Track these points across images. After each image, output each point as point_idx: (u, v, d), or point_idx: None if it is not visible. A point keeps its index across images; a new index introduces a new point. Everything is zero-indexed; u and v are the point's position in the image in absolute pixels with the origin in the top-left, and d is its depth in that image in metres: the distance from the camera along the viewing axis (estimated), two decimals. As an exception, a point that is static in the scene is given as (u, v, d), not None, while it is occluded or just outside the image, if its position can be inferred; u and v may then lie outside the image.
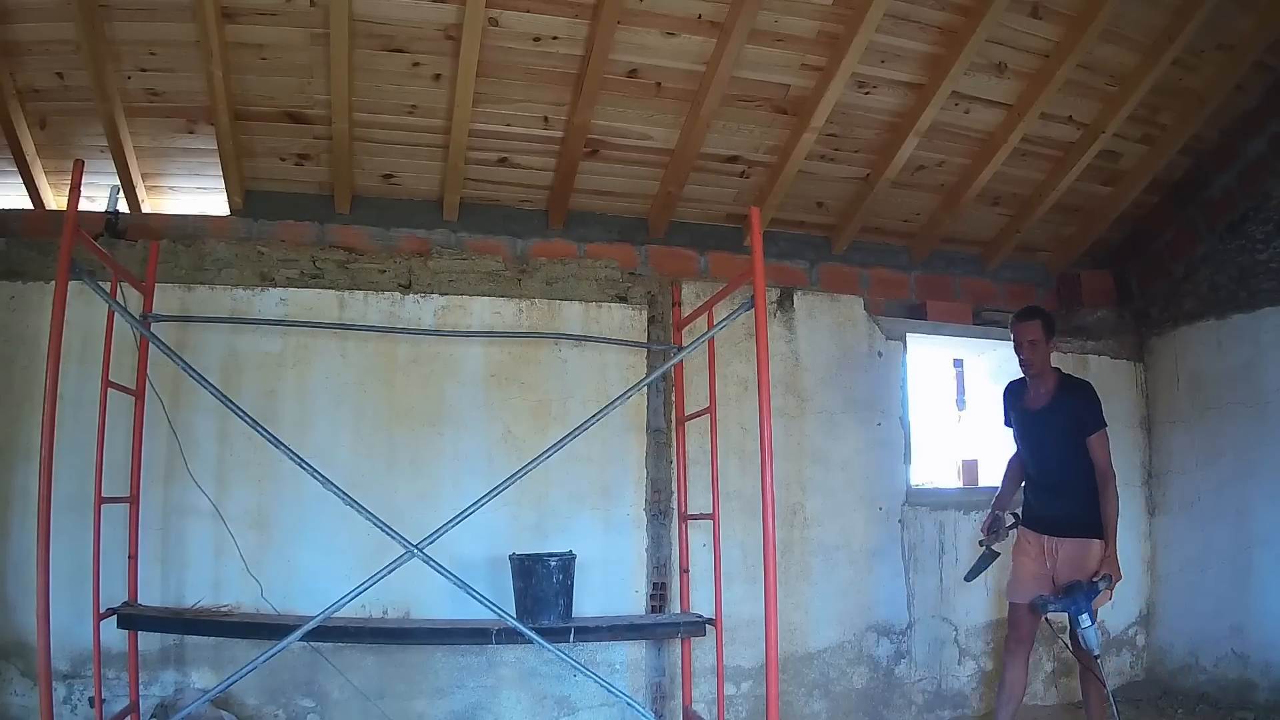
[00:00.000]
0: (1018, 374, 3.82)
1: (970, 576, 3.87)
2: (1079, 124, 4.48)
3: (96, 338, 3.41)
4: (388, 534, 2.83)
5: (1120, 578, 3.45)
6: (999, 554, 3.76)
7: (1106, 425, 3.57)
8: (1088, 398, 3.62)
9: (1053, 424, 3.62)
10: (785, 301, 4.45)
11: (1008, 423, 3.91)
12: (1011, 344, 3.71)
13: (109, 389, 3.35)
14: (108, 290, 3.17)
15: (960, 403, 5.30)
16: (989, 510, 3.87)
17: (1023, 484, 3.87)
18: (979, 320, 4.97)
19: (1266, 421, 4.41)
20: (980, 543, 3.80)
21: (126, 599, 3.41)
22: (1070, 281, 5.29)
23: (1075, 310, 5.21)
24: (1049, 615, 3.64)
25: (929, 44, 3.96)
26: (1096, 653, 3.43)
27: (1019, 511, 3.79)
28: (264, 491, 3.71)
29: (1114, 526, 3.49)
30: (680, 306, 4.20)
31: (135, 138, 3.95)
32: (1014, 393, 3.88)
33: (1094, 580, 3.40)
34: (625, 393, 3.29)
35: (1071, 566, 3.50)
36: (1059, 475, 3.61)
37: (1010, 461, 3.96)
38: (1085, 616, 3.36)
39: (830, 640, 4.27)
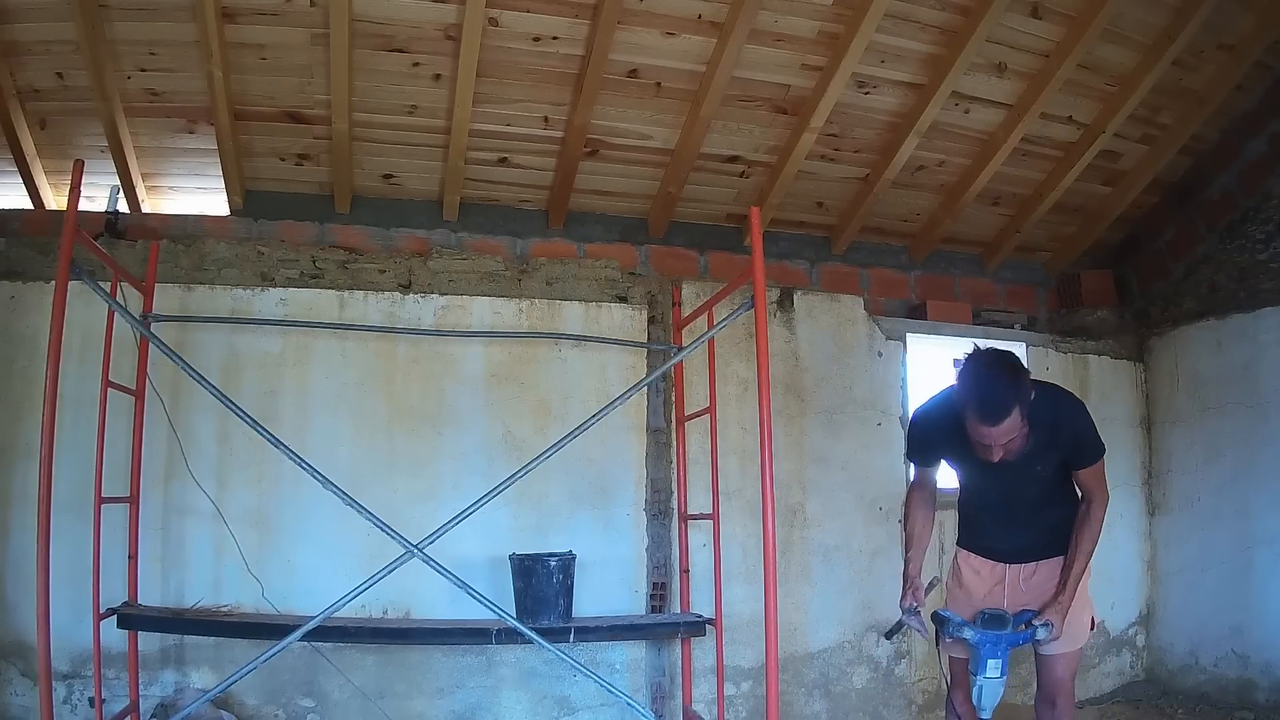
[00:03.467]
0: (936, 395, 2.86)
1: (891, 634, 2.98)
2: (1079, 124, 4.48)
3: (96, 338, 3.41)
4: (388, 534, 2.83)
5: (1058, 635, 2.63)
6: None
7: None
8: (1081, 422, 2.63)
9: (1034, 469, 2.67)
10: (785, 301, 4.45)
11: (926, 459, 2.93)
12: (979, 434, 2.50)
13: (109, 389, 3.35)
14: (108, 290, 3.17)
15: (960, 403, 5.27)
16: (904, 572, 2.89)
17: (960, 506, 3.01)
18: (979, 320, 4.97)
19: (1266, 421, 4.41)
20: (906, 614, 2.84)
21: (126, 599, 3.40)
22: (1070, 281, 5.29)
23: (1075, 310, 5.21)
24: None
25: (929, 44, 3.96)
26: (986, 716, 2.61)
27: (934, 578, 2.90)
28: (264, 491, 3.71)
29: (1086, 564, 2.67)
30: (680, 306, 4.20)
31: (135, 138, 3.95)
32: (945, 428, 2.69)
33: (1030, 623, 2.62)
34: (625, 393, 3.29)
35: (1047, 592, 2.72)
36: (1036, 512, 2.78)
37: (914, 494, 2.96)
38: (998, 664, 2.57)
39: (830, 640, 4.27)
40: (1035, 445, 2.58)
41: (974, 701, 2.64)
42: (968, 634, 2.64)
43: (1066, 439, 2.62)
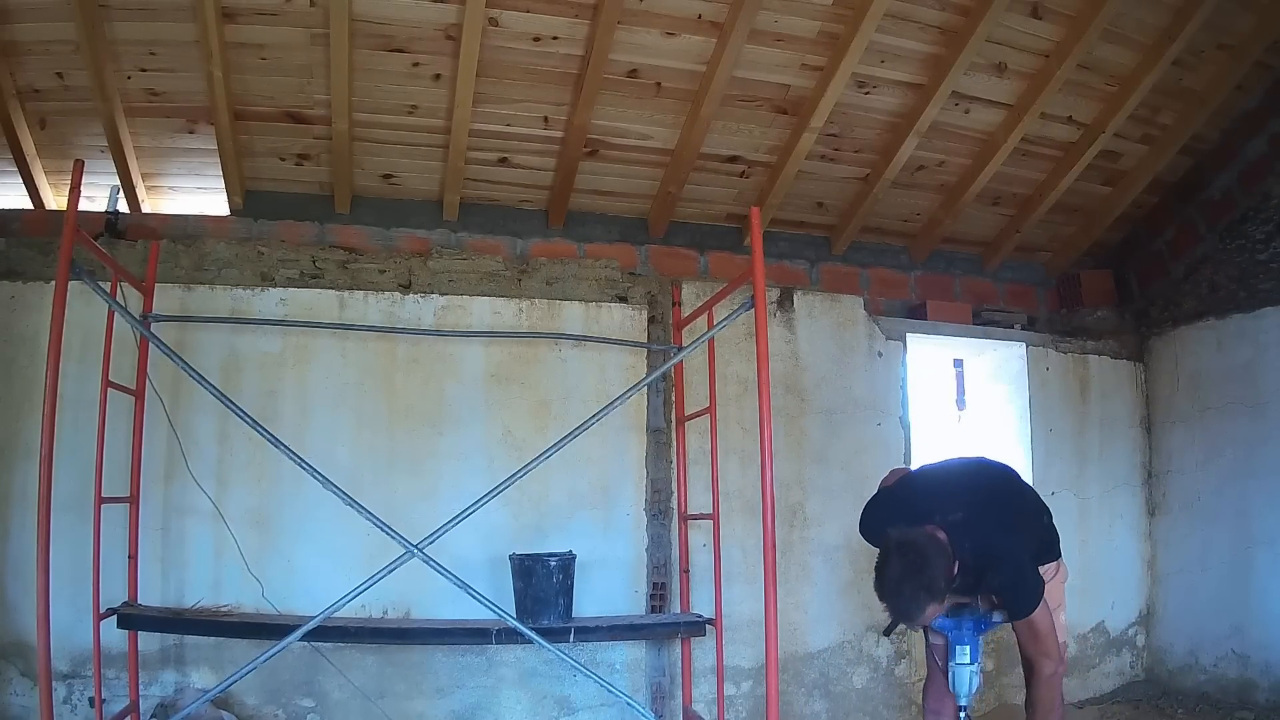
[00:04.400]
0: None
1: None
2: (1079, 124, 4.48)
3: (96, 338, 3.41)
4: (388, 534, 2.83)
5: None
6: None
7: (1042, 597, 2.59)
8: (1005, 578, 2.57)
9: (975, 596, 2.67)
10: (785, 301, 4.45)
11: None
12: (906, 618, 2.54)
13: (109, 389, 3.35)
14: (108, 290, 3.17)
15: (960, 403, 5.29)
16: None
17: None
18: (979, 320, 4.97)
19: (1266, 421, 4.41)
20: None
21: (126, 599, 3.40)
22: (1070, 281, 5.29)
23: (1075, 310, 5.21)
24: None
25: (929, 44, 3.96)
26: (964, 703, 2.68)
27: None
28: (264, 491, 3.71)
29: None
30: (680, 306, 4.20)
31: (135, 138, 3.95)
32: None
33: (991, 612, 2.67)
34: (625, 393, 3.29)
35: None
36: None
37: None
38: (966, 650, 2.65)
39: (830, 640, 4.27)
40: (965, 587, 2.57)
41: (950, 689, 2.72)
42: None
43: (990, 589, 2.61)
